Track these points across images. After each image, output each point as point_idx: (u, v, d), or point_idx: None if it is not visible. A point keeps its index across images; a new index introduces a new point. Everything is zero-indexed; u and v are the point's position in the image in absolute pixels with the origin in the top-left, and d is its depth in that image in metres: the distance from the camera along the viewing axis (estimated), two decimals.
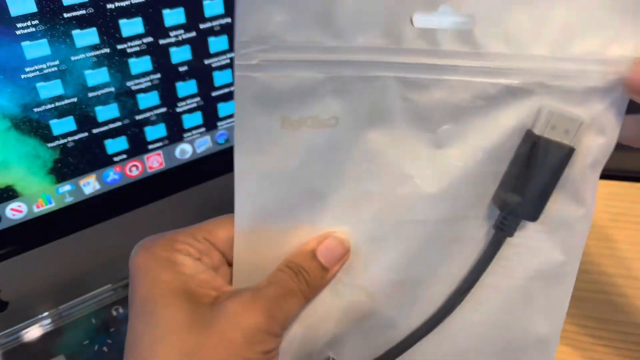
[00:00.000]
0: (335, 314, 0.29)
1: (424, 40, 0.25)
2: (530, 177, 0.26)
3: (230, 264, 0.28)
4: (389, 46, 0.25)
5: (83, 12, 0.37)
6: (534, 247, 0.28)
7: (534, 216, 0.27)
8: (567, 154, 0.26)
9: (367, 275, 0.29)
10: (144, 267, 0.26)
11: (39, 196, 0.41)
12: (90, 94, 0.39)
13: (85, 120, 0.40)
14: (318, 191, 0.27)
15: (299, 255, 0.27)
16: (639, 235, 0.42)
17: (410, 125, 0.26)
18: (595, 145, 0.26)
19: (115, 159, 0.43)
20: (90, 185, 0.43)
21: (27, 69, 0.36)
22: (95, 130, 0.41)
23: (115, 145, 0.42)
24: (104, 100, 0.40)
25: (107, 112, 0.41)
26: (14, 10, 0.34)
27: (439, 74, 0.25)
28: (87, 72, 0.39)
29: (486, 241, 0.28)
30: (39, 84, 0.37)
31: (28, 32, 0.35)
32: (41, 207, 0.41)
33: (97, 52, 0.38)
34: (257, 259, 0.28)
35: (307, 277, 0.27)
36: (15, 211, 0.41)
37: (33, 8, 0.35)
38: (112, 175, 0.43)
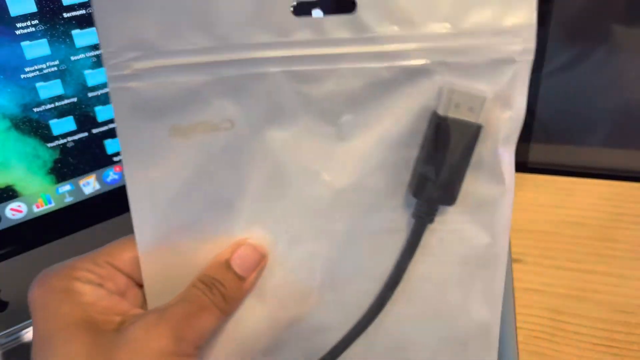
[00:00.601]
0: (264, 322, 0.28)
1: (308, 30, 0.23)
2: (441, 161, 0.25)
3: (141, 286, 0.27)
4: (273, 40, 0.23)
5: (83, 12, 0.37)
6: (458, 231, 0.27)
7: (450, 200, 0.26)
8: (474, 132, 0.25)
9: (290, 279, 0.27)
10: (41, 302, 0.24)
11: (39, 196, 0.41)
12: (90, 94, 0.39)
13: (85, 120, 0.40)
14: (224, 199, 0.26)
15: (212, 268, 0.26)
16: (639, 235, 0.42)
17: (310, 120, 0.25)
18: (503, 119, 0.25)
19: (115, 159, 0.43)
20: (90, 185, 0.43)
21: (27, 69, 0.36)
22: (95, 130, 0.41)
23: (115, 145, 0.42)
24: (103, 100, 0.40)
25: (107, 112, 0.41)
26: (14, 10, 0.34)
27: (328, 63, 0.24)
28: (87, 72, 0.39)
29: (408, 231, 0.27)
30: (38, 84, 0.37)
31: (28, 32, 0.35)
32: (41, 207, 0.41)
33: (97, 52, 0.38)
34: (169, 278, 0.26)
35: (223, 289, 0.25)
36: (15, 211, 0.41)
37: (33, 8, 0.35)
38: (112, 175, 0.43)
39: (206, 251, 0.26)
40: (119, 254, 0.26)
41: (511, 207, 0.27)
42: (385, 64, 0.24)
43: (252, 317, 0.27)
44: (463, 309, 0.29)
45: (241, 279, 0.26)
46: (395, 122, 0.25)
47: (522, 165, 0.50)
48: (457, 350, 0.30)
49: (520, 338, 0.34)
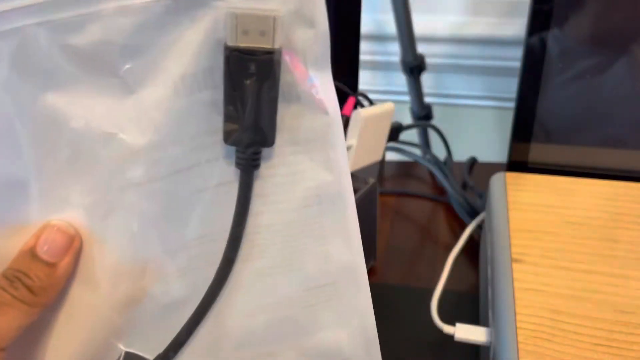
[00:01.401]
0: (105, 307, 0.25)
1: None
2: (242, 98, 0.22)
3: None
4: None
5: None
6: (292, 173, 0.25)
7: (266, 141, 0.23)
8: (272, 59, 0.21)
9: (115, 257, 0.25)
10: None
11: None
12: None
13: None
14: (13, 182, 0.23)
15: (16, 260, 0.24)
16: (639, 235, 0.42)
17: (88, 75, 0.22)
18: (306, 40, 0.22)
19: None
20: None
21: None
22: None
23: None
24: None
25: None
26: None
27: (88, 6, 0.21)
28: None
29: (237, 182, 0.24)
30: None
31: None
32: None
33: None
34: None
35: (28, 281, 0.23)
36: None
37: None
38: None
39: (12, 243, 0.24)
40: None
41: (343, 138, 0.25)
42: None
43: (87, 304, 0.25)
44: (319, 254, 0.26)
45: (51, 265, 0.24)
46: (185, 62, 0.22)
47: (522, 165, 0.50)
48: (326, 296, 0.27)
49: (520, 338, 0.34)
